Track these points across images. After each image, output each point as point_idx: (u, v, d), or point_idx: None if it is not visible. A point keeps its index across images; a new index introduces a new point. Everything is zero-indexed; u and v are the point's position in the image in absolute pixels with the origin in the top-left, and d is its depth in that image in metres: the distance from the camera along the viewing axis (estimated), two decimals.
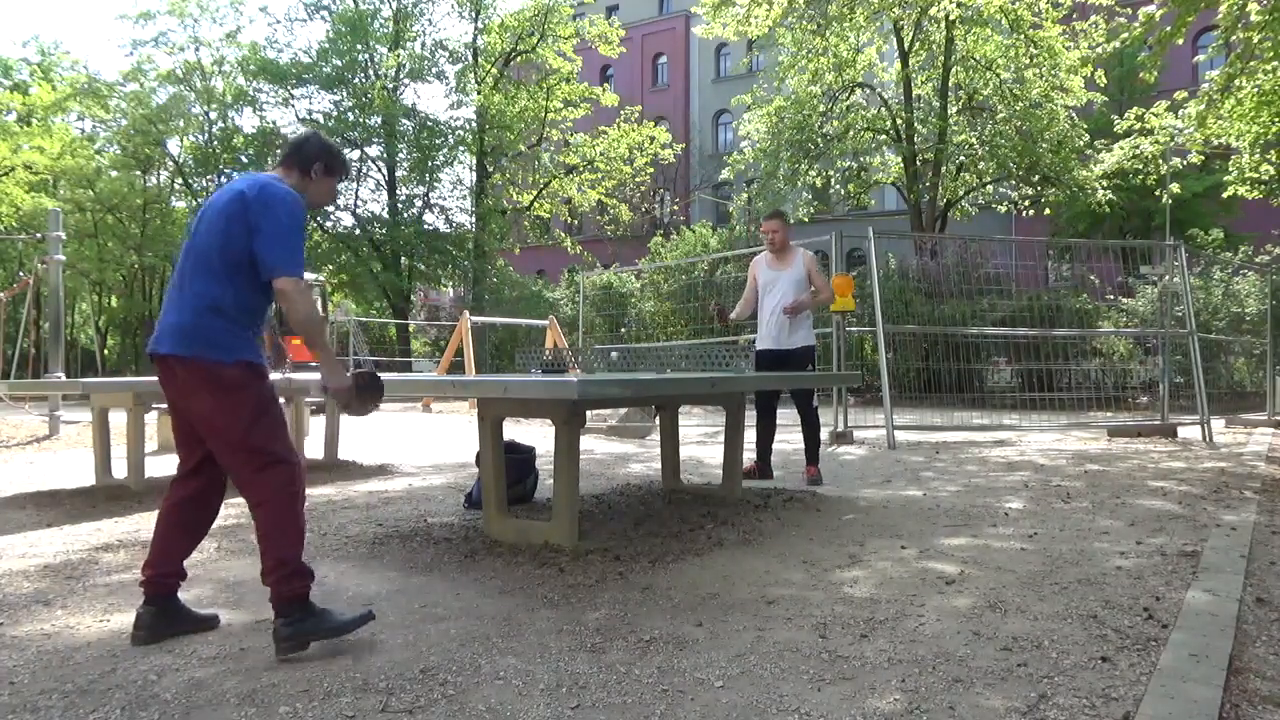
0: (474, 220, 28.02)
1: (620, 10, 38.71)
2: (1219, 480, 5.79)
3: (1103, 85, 18.36)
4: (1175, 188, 15.09)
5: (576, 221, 34.65)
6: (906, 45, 20.03)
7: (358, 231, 27.38)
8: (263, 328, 2.74)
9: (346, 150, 26.99)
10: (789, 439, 8.39)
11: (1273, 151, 12.51)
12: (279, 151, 2.86)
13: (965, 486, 5.59)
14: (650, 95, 38.64)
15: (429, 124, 26.61)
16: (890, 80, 21.17)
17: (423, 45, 27.83)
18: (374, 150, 27.13)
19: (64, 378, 9.92)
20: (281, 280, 2.54)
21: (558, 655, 2.44)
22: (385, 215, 27.60)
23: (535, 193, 28.17)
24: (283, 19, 52.65)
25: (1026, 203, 20.42)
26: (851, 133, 20.58)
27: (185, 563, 2.71)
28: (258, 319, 2.67)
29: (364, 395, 2.73)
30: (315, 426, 8.41)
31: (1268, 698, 2.15)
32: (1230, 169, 13.50)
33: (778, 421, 6.03)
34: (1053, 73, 18.33)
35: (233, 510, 4.72)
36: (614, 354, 5.60)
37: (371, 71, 26.96)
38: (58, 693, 2.19)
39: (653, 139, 27.27)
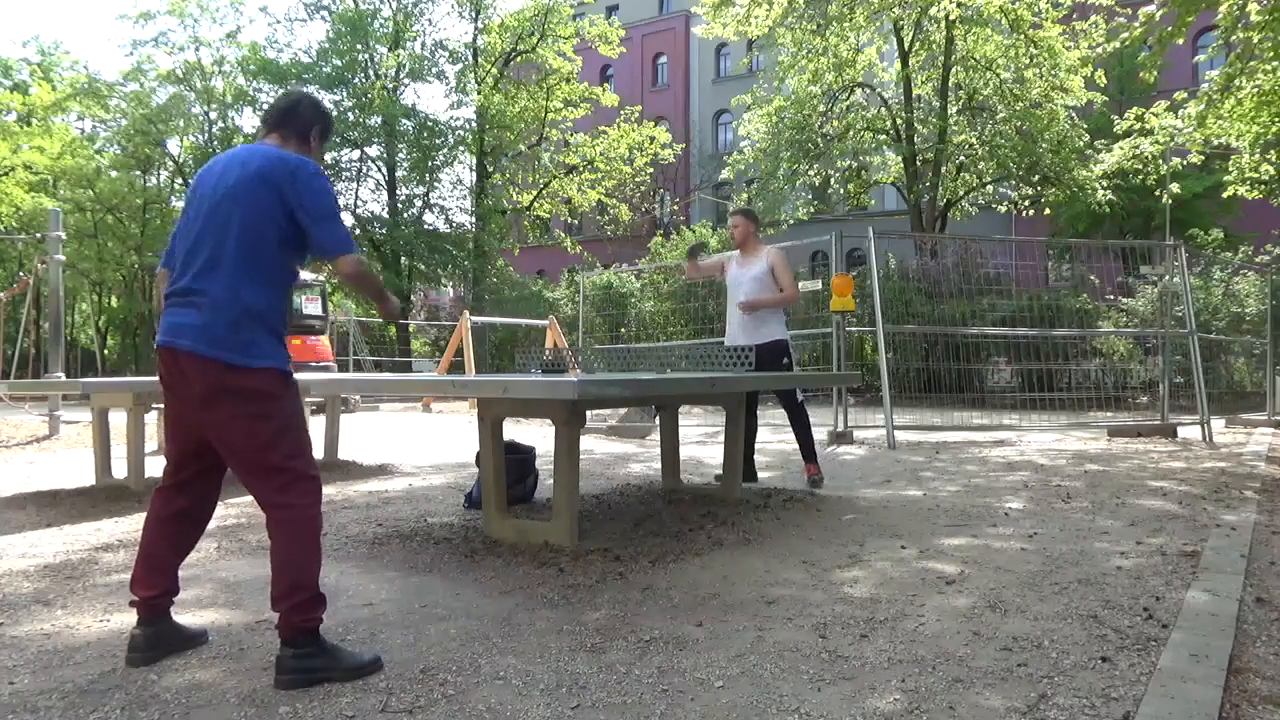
0: (474, 220, 28.03)
1: (620, 10, 38.70)
2: (1219, 480, 5.79)
3: (1103, 85, 18.37)
4: (1175, 188, 15.09)
5: (576, 221, 34.65)
6: (906, 45, 20.04)
7: (357, 231, 27.37)
8: (288, 326, 2.51)
9: (347, 150, 27.10)
10: (788, 439, 8.40)
11: (1273, 151, 12.51)
12: (267, 118, 2.58)
13: (965, 486, 5.59)
14: (650, 95, 38.64)
15: (429, 124, 26.61)
16: (890, 80, 21.19)
17: (423, 45, 27.85)
18: (374, 150, 27.14)
19: (64, 378, 9.92)
20: (345, 260, 2.41)
21: (558, 655, 2.44)
22: (385, 215, 27.63)
23: (535, 193, 28.17)
24: (283, 19, 52.83)
25: (1026, 203, 20.43)
26: (851, 133, 20.61)
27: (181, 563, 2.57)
28: (286, 316, 2.47)
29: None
30: (315, 426, 8.40)
31: (1268, 698, 2.15)
32: (1230, 169, 13.50)
33: (777, 422, 6.01)
34: (1053, 73, 18.34)
35: (233, 510, 4.72)
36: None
37: (371, 71, 26.96)
38: (58, 693, 2.19)
39: (653, 139, 27.28)
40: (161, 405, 7.39)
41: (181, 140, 29.68)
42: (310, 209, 2.38)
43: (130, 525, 4.39)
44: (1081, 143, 18.75)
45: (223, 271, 2.33)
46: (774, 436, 8.28)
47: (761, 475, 5.95)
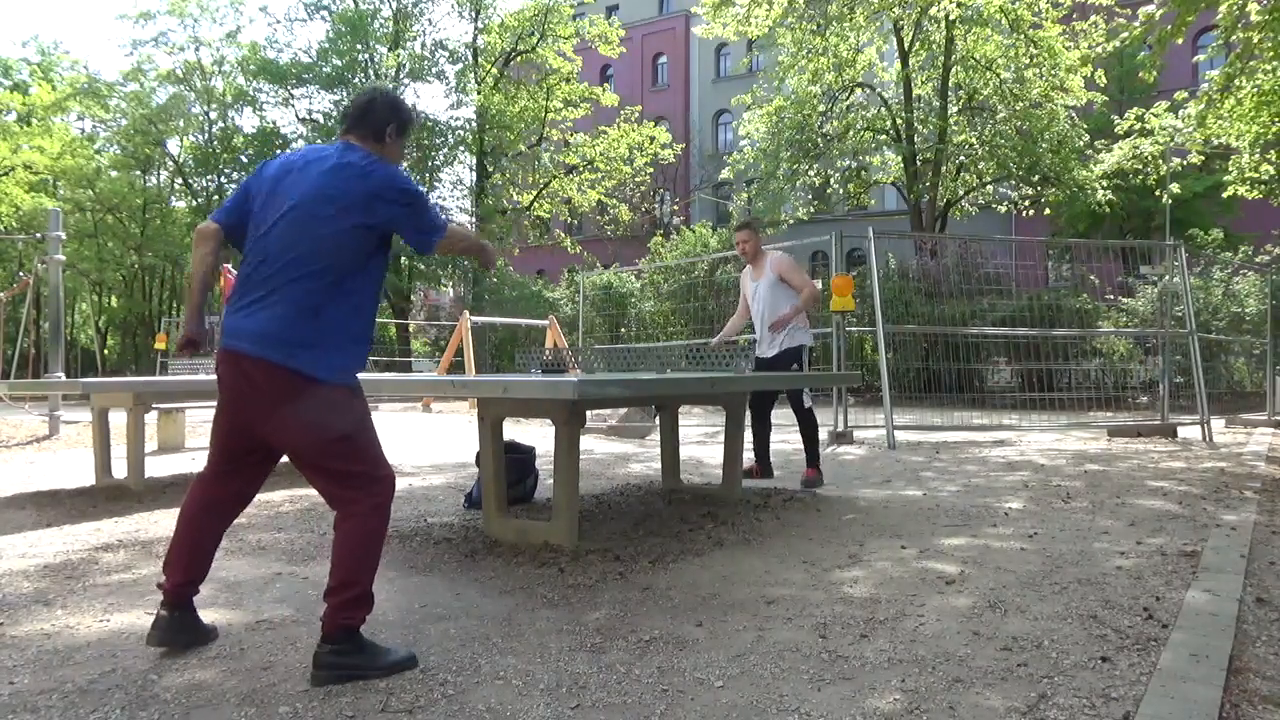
0: (474, 220, 28.05)
1: (620, 10, 38.70)
2: (1219, 480, 5.79)
3: (1103, 85, 18.38)
4: (1175, 188, 15.10)
5: (576, 221, 34.66)
6: (906, 45, 20.05)
7: None
8: (372, 338, 2.51)
9: None
10: (789, 439, 8.39)
11: (1273, 151, 12.52)
12: (345, 118, 2.60)
13: (965, 486, 5.59)
14: (650, 95, 38.63)
15: (429, 124, 26.61)
16: (890, 80, 21.20)
17: (423, 45, 27.86)
18: None
19: (64, 378, 9.92)
20: (443, 242, 2.51)
21: (558, 655, 2.44)
22: None
23: (535, 193, 28.18)
24: (283, 19, 52.71)
25: (1026, 203, 20.44)
26: (851, 132, 20.62)
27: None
28: (369, 327, 2.45)
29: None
30: None
31: (1268, 698, 2.15)
32: (1230, 169, 13.51)
33: (777, 422, 6.03)
34: (1053, 73, 18.36)
35: None
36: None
37: (371, 71, 26.96)
38: (58, 693, 2.19)
39: (653, 139, 27.30)
40: (161, 406, 7.37)
41: (181, 140, 29.69)
42: (398, 215, 2.40)
43: (130, 525, 4.39)
44: (1081, 143, 18.76)
45: (296, 279, 2.32)
46: (773, 436, 8.27)
47: None
